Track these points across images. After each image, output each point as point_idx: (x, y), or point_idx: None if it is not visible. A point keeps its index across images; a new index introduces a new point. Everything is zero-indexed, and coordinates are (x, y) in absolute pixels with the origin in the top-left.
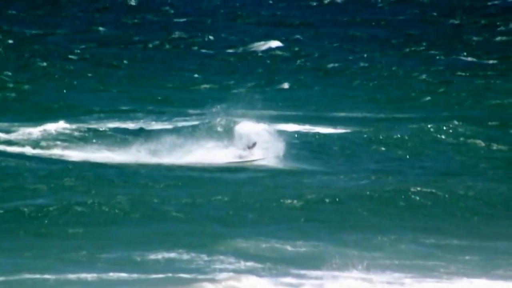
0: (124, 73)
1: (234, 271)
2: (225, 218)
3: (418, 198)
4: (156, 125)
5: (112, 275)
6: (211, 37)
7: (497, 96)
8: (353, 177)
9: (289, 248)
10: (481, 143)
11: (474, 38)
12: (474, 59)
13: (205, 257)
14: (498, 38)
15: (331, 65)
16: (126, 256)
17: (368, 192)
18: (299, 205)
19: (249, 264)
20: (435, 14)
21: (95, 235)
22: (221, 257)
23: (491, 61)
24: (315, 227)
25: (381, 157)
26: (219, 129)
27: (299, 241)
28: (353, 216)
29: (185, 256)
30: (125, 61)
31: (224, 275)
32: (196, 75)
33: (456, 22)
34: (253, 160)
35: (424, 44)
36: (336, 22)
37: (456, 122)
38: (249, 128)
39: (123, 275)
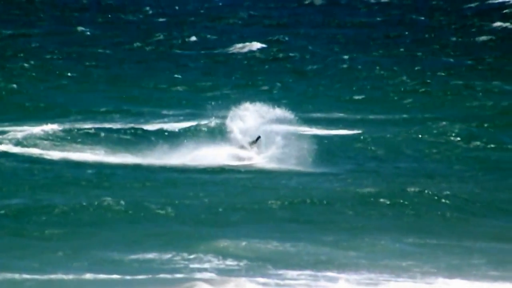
0: (103, 73)
1: (213, 270)
2: (208, 219)
3: (398, 198)
4: (136, 125)
5: (89, 276)
6: (191, 38)
7: (476, 96)
8: (335, 178)
9: (268, 247)
10: (461, 143)
11: (453, 39)
12: (453, 60)
13: (185, 256)
14: (476, 39)
15: (311, 66)
16: (104, 256)
17: (349, 193)
18: (282, 206)
19: (229, 263)
20: (413, 16)
21: (74, 236)
22: (202, 256)
23: (469, 62)
24: (296, 227)
25: (362, 158)
26: (212, 127)
27: (279, 241)
28: (334, 216)
29: (165, 256)
30: (104, 61)
31: (205, 275)
32: (176, 76)
33: (434, 24)
34: (249, 163)
35: (404, 45)
36: (316, 24)
37: (436, 123)
38: (250, 123)
39: (101, 276)
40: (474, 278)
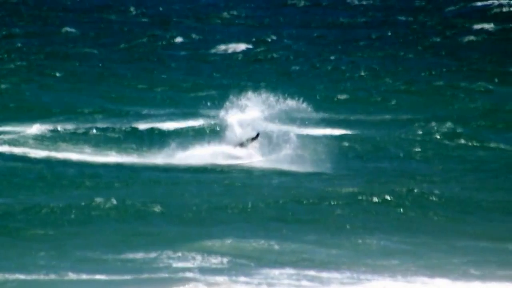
0: (88, 73)
1: (197, 269)
2: (194, 218)
3: (384, 198)
4: (121, 125)
5: (72, 275)
6: (176, 39)
7: (459, 96)
8: (320, 177)
9: (254, 245)
10: (445, 143)
11: (436, 40)
12: (436, 60)
13: (170, 255)
14: (459, 40)
15: (295, 67)
16: (88, 256)
17: (335, 192)
18: (267, 205)
19: (214, 262)
20: (397, 17)
21: (57, 236)
22: (187, 256)
23: (453, 62)
24: (282, 226)
25: (347, 158)
26: (202, 126)
27: (263, 239)
28: (319, 215)
29: (150, 256)
30: (89, 62)
31: (190, 274)
32: (162, 76)
33: (418, 25)
34: (243, 162)
35: (387, 46)
36: (299, 25)
37: (420, 123)
38: (249, 120)
39: (84, 276)
40: (455, 277)
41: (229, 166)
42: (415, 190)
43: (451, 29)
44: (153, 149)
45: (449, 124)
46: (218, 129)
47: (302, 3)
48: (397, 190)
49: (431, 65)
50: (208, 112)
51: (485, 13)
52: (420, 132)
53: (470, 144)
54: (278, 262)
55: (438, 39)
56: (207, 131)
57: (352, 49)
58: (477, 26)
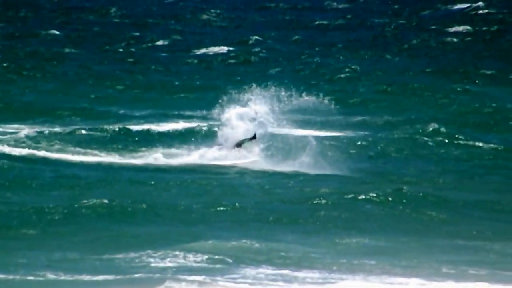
0: (70, 74)
1: (177, 269)
2: (174, 219)
3: (365, 199)
4: (104, 125)
5: (50, 275)
6: (158, 42)
7: (435, 96)
8: (303, 178)
9: (233, 245)
10: (424, 144)
11: (414, 42)
12: (413, 62)
13: (151, 256)
14: (436, 42)
15: (276, 69)
16: (67, 256)
17: (317, 193)
18: (248, 205)
19: (194, 260)
20: (375, 20)
21: (37, 236)
22: (167, 256)
23: (430, 64)
24: (262, 226)
25: (328, 159)
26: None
27: (243, 239)
28: (300, 216)
29: (129, 256)
30: (70, 63)
31: (169, 274)
32: (144, 77)
33: (394, 28)
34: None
35: (366, 48)
36: (280, 26)
37: (399, 124)
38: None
39: (61, 277)
40: (430, 277)
41: (218, 166)
42: (396, 191)
43: (428, 31)
44: (136, 149)
45: (428, 125)
46: (202, 130)
47: (280, 5)
48: (379, 190)
49: (408, 67)
50: (193, 113)
51: (461, 16)
52: (399, 133)
53: (449, 144)
54: (256, 260)
55: (415, 41)
56: (191, 131)
57: (330, 51)
58: (453, 29)
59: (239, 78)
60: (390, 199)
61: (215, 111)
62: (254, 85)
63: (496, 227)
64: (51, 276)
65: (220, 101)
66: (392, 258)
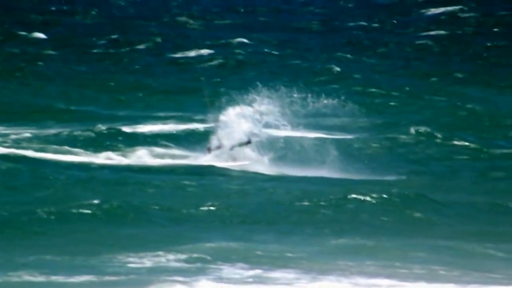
0: (50, 74)
1: (155, 270)
2: (154, 220)
3: (347, 200)
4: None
5: (26, 276)
6: (140, 45)
7: (412, 97)
8: (289, 179)
9: (212, 246)
10: (404, 145)
11: (391, 45)
12: (390, 63)
13: (130, 257)
14: (413, 45)
15: (253, 72)
16: (42, 258)
17: (299, 195)
18: (226, 207)
19: (171, 261)
20: (350, 24)
21: (14, 237)
22: (146, 257)
23: (407, 65)
24: (242, 227)
25: (310, 160)
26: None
27: (221, 241)
28: (281, 217)
29: (109, 257)
30: (50, 63)
31: (145, 275)
32: (127, 79)
33: (373, 30)
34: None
35: (343, 51)
36: (262, 29)
37: (380, 126)
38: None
39: (37, 278)
40: (403, 278)
41: (203, 168)
42: (378, 192)
43: (406, 34)
44: (116, 149)
45: (407, 127)
46: (183, 133)
47: (258, 9)
48: (360, 192)
49: (385, 69)
50: (175, 114)
51: (436, 20)
52: (382, 135)
53: (426, 145)
54: (231, 260)
55: (393, 44)
56: (176, 134)
57: (310, 53)
58: (428, 33)
59: (218, 79)
60: (372, 200)
61: (211, 113)
62: (260, 85)
63: (474, 227)
64: (27, 277)
65: (217, 102)
66: (369, 259)
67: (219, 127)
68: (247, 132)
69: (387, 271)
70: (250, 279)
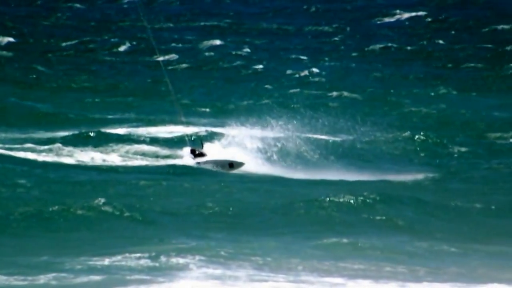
0: (28, 78)
1: (132, 270)
2: (136, 221)
3: (318, 200)
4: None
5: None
6: (120, 48)
7: (384, 102)
8: (268, 180)
9: (177, 247)
10: (377, 146)
11: (371, 47)
12: (355, 65)
13: (103, 258)
14: (371, 48)
15: (238, 73)
16: (22, 261)
17: (276, 198)
18: (204, 208)
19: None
20: (306, 28)
21: None
22: (127, 258)
23: (369, 67)
24: (220, 228)
25: (286, 161)
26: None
27: (199, 240)
28: (257, 218)
29: (87, 258)
30: (28, 65)
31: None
32: (108, 81)
33: (337, 35)
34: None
35: (312, 56)
36: (240, 31)
37: (354, 127)
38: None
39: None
40: (351, 278)
41: (188, 167)
42: (353, 194)
43: (368, 37)
44: (87, 150)
45: (377, 129)
46: (165, 135)
47: (229, 13)
48: (331, 193)
49: (352, 72)
50: (145, 117)
51: (398, 27)
52: (355, 137)
53: (395, 147)
54: (194, 258)
55: (356, 53)
56: (155, 136)
57: (278, 56)
58: (384, 38)
59: (194, 83)
60: (352, 201)
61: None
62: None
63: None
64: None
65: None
66: (329, 258)
67: (202, 143)
68: (230, 159)
69: (339, 270)
70: (212, 276)
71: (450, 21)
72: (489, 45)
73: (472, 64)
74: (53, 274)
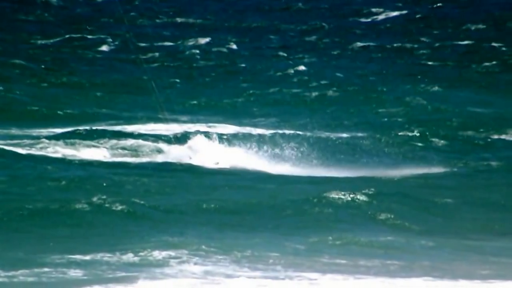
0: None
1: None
2: (129, 219)
3: (307, 201)
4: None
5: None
6: (102, 47)
7: (366, 103)
8: (264, 177)
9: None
10: (363, 147)
11: (337, 52)
12: (355, 64)
13: (94, 255)
14: (355, 50)
15: (200, 77)
16: (10, 256)
17: (266, 197)
18: (195, 208)
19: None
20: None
21: None
22: (94, 255)
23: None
24: (210, 227)
25: (272, 161)
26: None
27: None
28: (248, 218)
29: (84, 256)
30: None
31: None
32: (73, 79)
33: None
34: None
35: (295, 58)
36: (217, 30)
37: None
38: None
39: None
40: (324, 272)
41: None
42: (337, 189)
43: (349, 38)
44: (67, 146)
45: (363, 130)
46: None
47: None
48: (322, 192)
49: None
50: (125, 114)
51: (380, 27)
52: (340, 138)
53: (379, 148)
54: (175, 255)
55: (338, 52)
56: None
57: (263, 56)
58: (362, 41)
59: (177, 80)
60: (338, 197)
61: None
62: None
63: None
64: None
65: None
66: (311, 255)
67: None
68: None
69: (316, 266)
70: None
71: (429, 19)
72: (468, 42)
73: (451, 63)
74: (32, 270)
